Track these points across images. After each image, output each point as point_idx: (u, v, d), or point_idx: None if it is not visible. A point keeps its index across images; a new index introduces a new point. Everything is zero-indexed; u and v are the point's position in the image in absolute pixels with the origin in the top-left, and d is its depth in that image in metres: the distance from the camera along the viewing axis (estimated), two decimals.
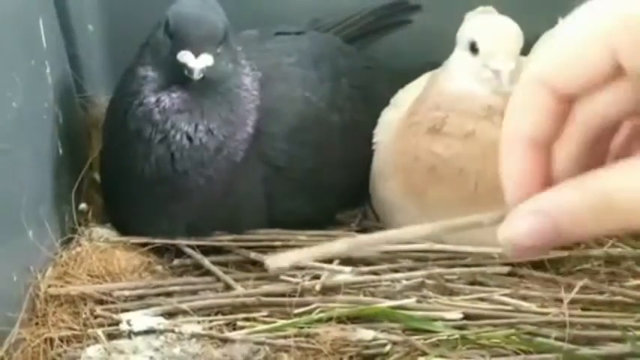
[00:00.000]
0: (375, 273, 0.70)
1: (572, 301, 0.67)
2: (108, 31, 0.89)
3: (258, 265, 0.71)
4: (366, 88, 0.81)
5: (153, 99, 0.69)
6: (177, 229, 0.72)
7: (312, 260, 0.31)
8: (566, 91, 0.32)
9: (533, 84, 0.32)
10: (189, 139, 0.69)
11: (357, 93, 0.80)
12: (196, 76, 0.66)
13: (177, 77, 0.68)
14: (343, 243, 0.32)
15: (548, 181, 0.33)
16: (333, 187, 0.77)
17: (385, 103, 0.80)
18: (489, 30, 0.71)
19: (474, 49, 0.70)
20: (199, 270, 0.71)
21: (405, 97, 0.78)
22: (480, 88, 0.69)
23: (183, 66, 0.67)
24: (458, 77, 0.71)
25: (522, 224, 0.31)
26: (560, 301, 0.67)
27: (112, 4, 0.88)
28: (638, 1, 0.30)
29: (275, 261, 0.32)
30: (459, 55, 0.71)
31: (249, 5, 0.88)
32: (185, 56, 0.67)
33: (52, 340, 0.60)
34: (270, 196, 0.74)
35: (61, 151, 0.74)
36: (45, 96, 0.72)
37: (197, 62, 0.67)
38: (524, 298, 0.68)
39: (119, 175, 0.73)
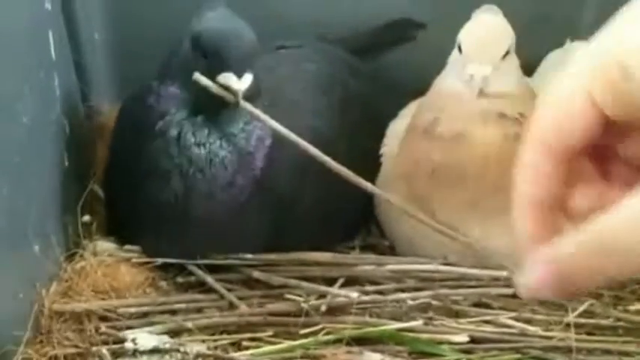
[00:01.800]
0: (380, 293, 0.70)
1: (577, 325, 0.67)
2: (113, 39, 0.88)
3: (262, 283, 0.70)
4: (374, 112, 0.78)
5: (174, 132, 0.65)
6: (181, 254, 0.70)
7: None
8: (565, 149, 0.32)
9: (534, 144, 0.33)
10: (202, 172, 0.66)
11: (365, 117, 0.77)
12: (241, 99, 0.61)
13: (208, 100, 0.64)
14: None
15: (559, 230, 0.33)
16: (340, 215, 0.74)
17: (391, 119, 0.80)
18: (472, 31, 0.69)
19: (460, 49, 0.68)
20: (203, 287, 0.70)
21: (412, 106, 0.77)
22: (465, 89, 0.67)
23: (222, 88, 0.62)
24: (449, 77, 0.69)
25: (533, 274, 0.32)
26: (567, 325, 0.67)
27: (118, 13, 0.87)
28: (615, 40, 0.30)
29: None
30: (453, 55, 0.70)
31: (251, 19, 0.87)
32: (227, 78, 0.62)
33: (57, 359, 0.60)
34: (278, 227, 0.70)
35: (66, 162, 0.73)
36: (53, 107, 0.71)
37: (241, 84, 0.62)
38: (530, 321, 0.68)
39: (127, 194, 0.70)
